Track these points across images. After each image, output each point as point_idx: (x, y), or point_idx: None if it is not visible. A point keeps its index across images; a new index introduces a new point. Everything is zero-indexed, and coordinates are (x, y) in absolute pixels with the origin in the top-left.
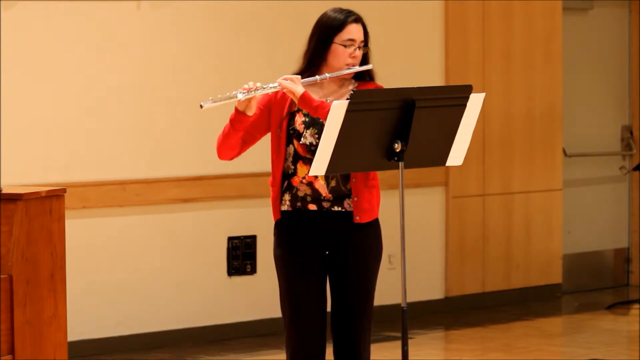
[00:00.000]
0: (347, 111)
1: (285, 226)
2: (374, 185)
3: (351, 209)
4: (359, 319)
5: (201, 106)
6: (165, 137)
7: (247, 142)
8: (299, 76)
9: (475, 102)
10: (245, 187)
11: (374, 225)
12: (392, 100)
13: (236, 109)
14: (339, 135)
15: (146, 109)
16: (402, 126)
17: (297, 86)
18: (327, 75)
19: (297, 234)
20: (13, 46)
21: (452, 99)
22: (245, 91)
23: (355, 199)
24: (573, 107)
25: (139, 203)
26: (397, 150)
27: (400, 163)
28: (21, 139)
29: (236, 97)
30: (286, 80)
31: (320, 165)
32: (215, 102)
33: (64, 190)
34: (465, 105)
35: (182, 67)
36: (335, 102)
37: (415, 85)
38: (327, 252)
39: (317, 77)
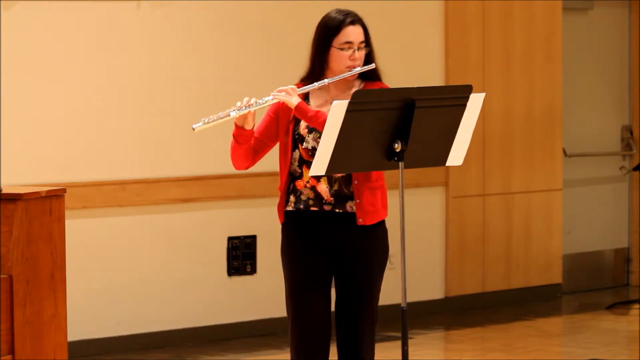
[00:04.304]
0: (347, 111)
1: (290, 226)
2: (378, 186)
3: (353, 211)
4: (361, 322)
5: (193, 128)
6: (165, 137)
7: (259, 150)
8: (294, 86)
9: (475, 102)
10: (245, 187)
11: (379, 227)
12: (392, 100)
13: (236, 125)
14: (339, 135)
15: (146, 109)
16: (402, 126)
17: (291, 97)
18: (325, 80)
19: (302, 234)
20: (13, 46)
21: (452, 99)
22: (237, 109)
23: (358, 201)
24: (573, 107)
25: (139, 203)
26: (397, 150)
27: (400, 163)
28: (21, 139)
29: (229, 116)
30: (280, 92)
31: (320, 165)
32: (207, 123)
33: (64, 190)
34: (465, 105)
35: (182, 67)
36: (335, 102)
37: (415, 85)
38: (332, 253)
39: (316, 84)
